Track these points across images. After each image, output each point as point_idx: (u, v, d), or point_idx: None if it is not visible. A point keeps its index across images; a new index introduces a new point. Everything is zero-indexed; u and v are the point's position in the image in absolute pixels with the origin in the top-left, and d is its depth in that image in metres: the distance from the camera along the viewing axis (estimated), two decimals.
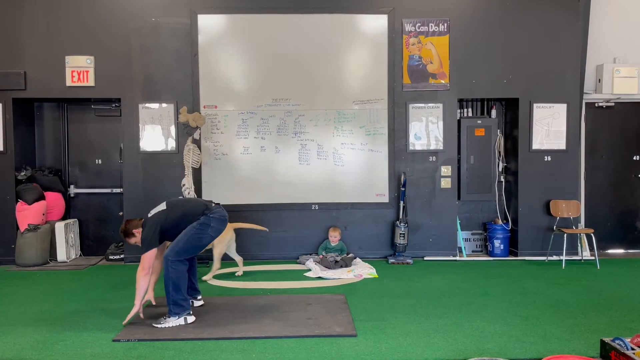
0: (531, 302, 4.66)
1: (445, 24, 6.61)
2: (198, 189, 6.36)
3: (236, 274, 5.73)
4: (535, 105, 6.66)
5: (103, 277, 5.47)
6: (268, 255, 6.59)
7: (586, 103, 7.00)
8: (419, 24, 6.61)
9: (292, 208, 6.62)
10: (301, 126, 6.62)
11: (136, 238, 4.20)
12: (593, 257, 6.34)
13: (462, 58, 6.62)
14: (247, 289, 5.21)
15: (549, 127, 6.69)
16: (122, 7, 6.48)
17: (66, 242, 6.54)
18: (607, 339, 3.30)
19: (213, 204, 4.32)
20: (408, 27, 6.61)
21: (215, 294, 4.99)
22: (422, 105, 6.65)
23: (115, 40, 6.49)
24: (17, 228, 6.44)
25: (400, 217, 6.46)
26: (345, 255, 6.29)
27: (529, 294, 4.94)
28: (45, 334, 3.90)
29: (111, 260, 6.62)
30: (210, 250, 5.60)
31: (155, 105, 6.55)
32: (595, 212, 7.12)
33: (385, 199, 6.65)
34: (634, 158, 7.19)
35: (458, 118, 6.84)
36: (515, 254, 6.75)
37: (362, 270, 5.87)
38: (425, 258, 6.65)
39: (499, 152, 6.98)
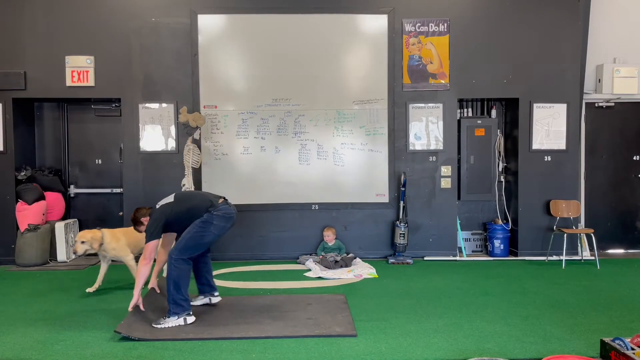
0: (531, 302, 4.66)
1: (445, 24, 6.61)
2: (198, 189, 6.35)
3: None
4: (535, 105, 6.66)
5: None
6: (268, 255, 6.59)
7: (586, 103, 7.00)
8: (419, 24, 6.61)
9: (292, 208, 6.62)
10: (301, 126, 6.61)
11: (144, 226, 4.25)
12: (593, 257, 6.34)
13: (462, 58, 6.62)
14: (247, 289, 5.21)
15: (549, 127, 6.69)
16: (122, 7, 6.48)
17: (66, 242, 6.53)
18: (607, 339, 3.29)
19: (220, 200, 4.28)
20: (408, 27, 6.61)
21: None
22: (422, 105, 6.65)
23: (115, 40, 6.49)
24: (17, 228, 6.43)
25: (400, 217, 6.46)
26: (345, 254, 6.30)
27: (529, 294, 4.94)
28: (45, 334, 3.90)
29: (111, 260, 6.61)
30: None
31: (155, 105, 6.55)
32: (595, 212, 7.12)
33: (385, 199, 6.65)
34: (634, 158, 7.18)
35: (458, 118, 6.84)
36: (515, 254, 6.75)
37: (362, 270, 5.87)
38: (425, 258, 6.65)
39: (499, 152, 6.98)
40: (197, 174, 6.37)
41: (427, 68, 6.63)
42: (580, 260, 6.56)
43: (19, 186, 6.50)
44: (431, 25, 6.61)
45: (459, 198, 6.83)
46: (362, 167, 6.65)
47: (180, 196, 4.32)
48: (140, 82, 6.52)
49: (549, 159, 6.71)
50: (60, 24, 6.47)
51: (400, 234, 6.42)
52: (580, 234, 6.61)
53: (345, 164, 6.64)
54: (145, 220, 4.26)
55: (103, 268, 5.21)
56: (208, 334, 3.82)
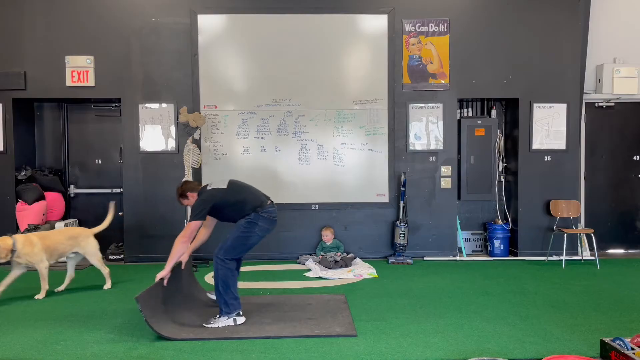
0: (531, 302, 4.66)
1: (445, 24, 6.61)
2: None
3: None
4: (535, 105, 6.66)
5: (103, 276, 5.45)
6: (268, 255, 6.59)
7: (586, 103, 7.00)
8: (419, 24, 6.61)
9: (292, 208, 6.61)
10: (301, 126, 6.62)
11: (188, 201, 4.19)
12: (593, 257, 6.34)
13: (462, 58, 6.62)
14: (247, 289, 5.21)
15: (549, 127, 6.69)
16: (122, 7, 6.49)
17: None
18: (607, 339, 3.30)
19: (268, 202, 4.23)
20: (408, 27, 6.61)
21: None
22: (422, 105, 6.65)
23: (115, 40, 6.49)
24: (17, 228, 6.43)
25: (400, 217, 6.46)
26: (345, 254, 6.30)
27: (529, 294, 4.94)
28: (45, 334, 3.90)
29: (111, 260, 6.61)
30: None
31: (155, 105, 6.55)
32: (595, 212, 7.12)
33: (385, 199, 6.65)
34: (634, 158, 7.19)
35: (458, 118, 6.84)
36: (515, 254, 6.75)
37: (362, 270, 5.87)
38: (425, 258, 6.65)
39: (499, 152, 6.98)
40: (197, 174, 6.38)
41: (427, 68, 6.63)
42: (580, 260, 6.56)
43: (19, 186, 6.51)
44: (431, 25, 6.61)
45: (459, 198, 6.83)
46: (362, 167, 6.65)
47: (233, 187, 4.21)
48: (140, 82, 6.52)
49: (549, 159, 6.71)
50: (60, 24, 6.47)
51: (400, 234, 6.42)
52: (580, 234, 6.61)
53: (345, 164, 6.65)
54: (191, 195, 4.17)
55: (14, 274, 4.87)
56: (208, 334, 3.82)
